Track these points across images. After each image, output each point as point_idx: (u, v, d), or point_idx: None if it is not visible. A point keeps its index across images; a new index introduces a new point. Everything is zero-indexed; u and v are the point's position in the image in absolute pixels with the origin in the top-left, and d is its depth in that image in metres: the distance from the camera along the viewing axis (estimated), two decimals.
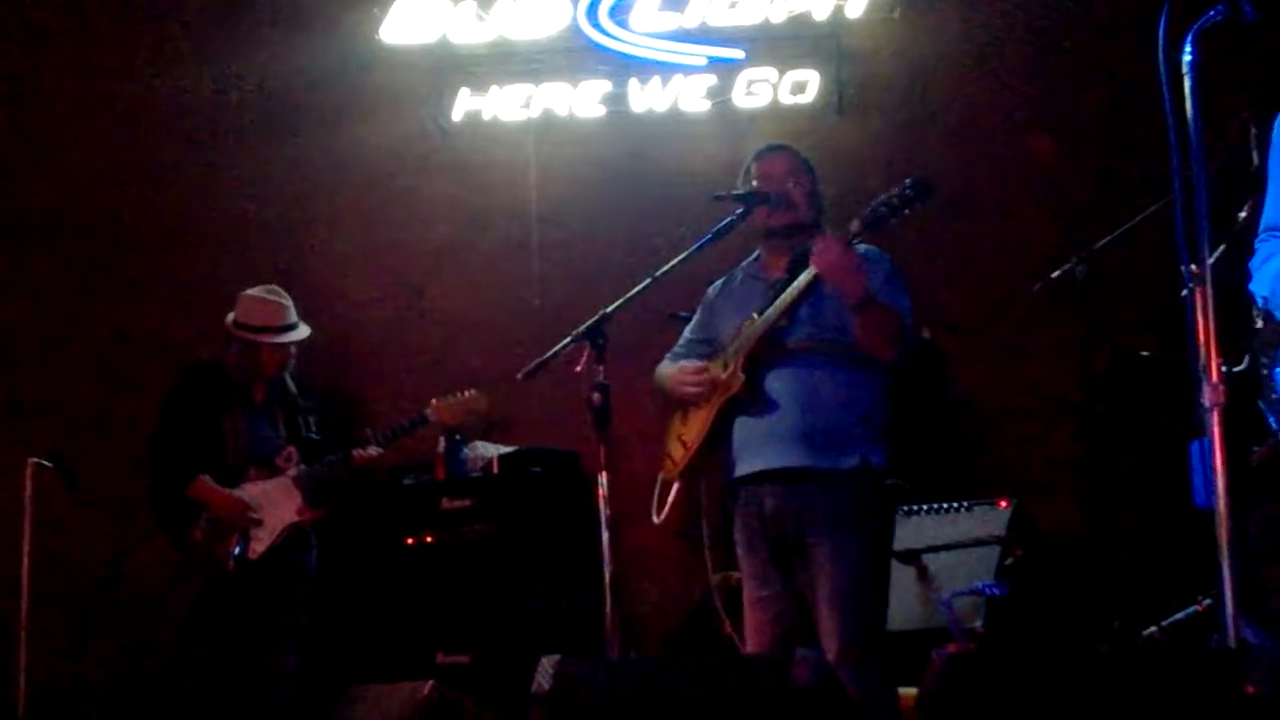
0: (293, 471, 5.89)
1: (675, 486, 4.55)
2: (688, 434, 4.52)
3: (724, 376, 4.42)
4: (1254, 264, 3.86)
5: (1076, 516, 6.45)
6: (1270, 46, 5.86)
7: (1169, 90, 3.35)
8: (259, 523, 5.79)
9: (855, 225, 4.30)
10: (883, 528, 4.49)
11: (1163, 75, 3.37)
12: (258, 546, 5.79)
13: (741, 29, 7.15)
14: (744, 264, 4.74)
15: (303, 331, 6.04)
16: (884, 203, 4.29)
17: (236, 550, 5.74)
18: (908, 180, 4.34)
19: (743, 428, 4.41)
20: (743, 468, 4.41)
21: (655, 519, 4.59)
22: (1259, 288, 3.82)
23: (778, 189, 4.52)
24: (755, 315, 4.43)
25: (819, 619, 4.25)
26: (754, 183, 4.60)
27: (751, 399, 4.37)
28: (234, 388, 5.95)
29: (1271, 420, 3.81)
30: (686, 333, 4.80)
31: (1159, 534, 6.08)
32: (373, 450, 5.94)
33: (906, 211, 4.31)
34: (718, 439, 4.45)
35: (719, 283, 4.78)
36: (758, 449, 4.37)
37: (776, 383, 4.38)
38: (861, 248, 4.39)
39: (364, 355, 7.25)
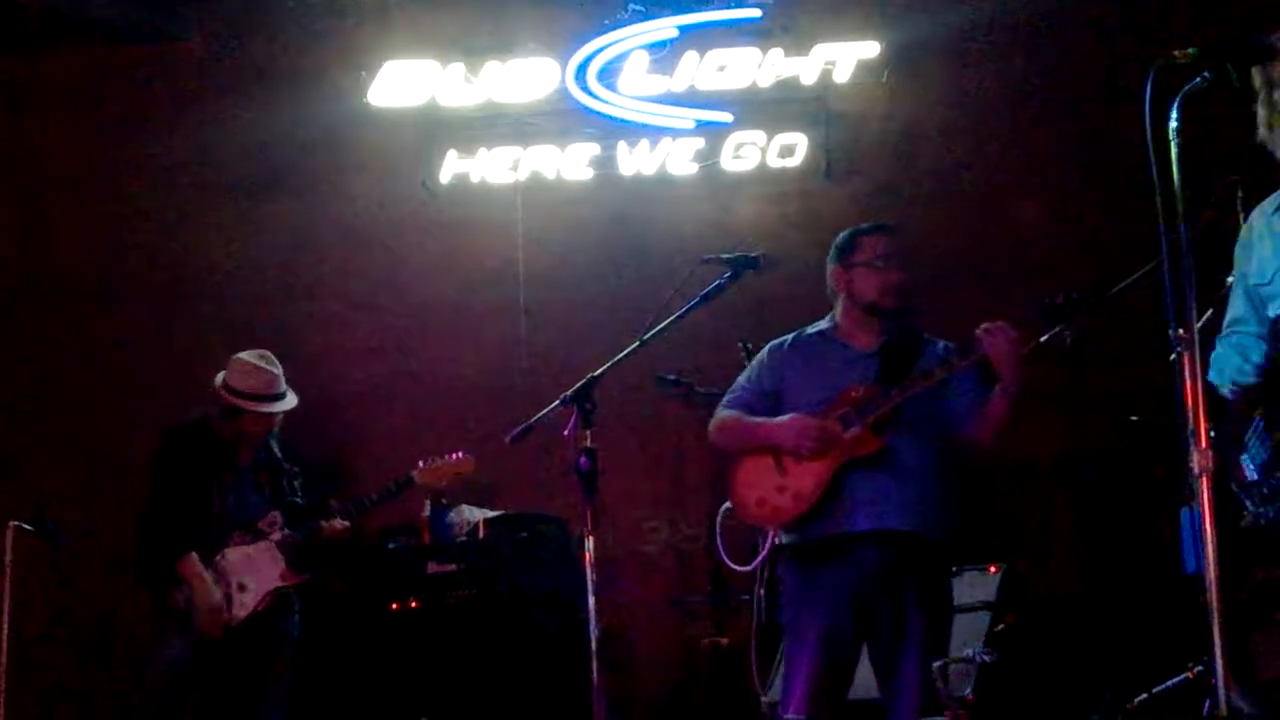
0: (276, 536, 5.84)
1: (770, 536, 4.54)
2: (800, 486, 4.53)
3: (848, 436, 4.49)
4: (1213, 357, 3.88)
5: (1067, 582, 6.42)
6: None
7: (1155, 155, 3.36)
8: (243, 587, 5.74)
9: (1031, 317, 4.47)
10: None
11: (1149, 140, 3.37)
12: (240, 612, 5.73)
13: (730, 92, 7.18)
14: (818, 329, 4.80)
15: (290, 402, 6.01)
16: (1063, 306, 4.50)
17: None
18: (1088, 289, 4.56)
19: (859, 488, 4.51)
20: (853, 525, 4.49)
21: (747, 567, 4.61)
22: (1219, 379, 3.83)
23: (898, 271, 4.67)
24: (877, 384, 4.55)
25: (899, 681, 4.42)
26: (857, 256, 4.71)
27: (880, 461, 4.49)
28: (220, 450, 5.91)
29: (1248, 504, 3.81)
30: (746, 383, 4.82)
31: (1150, 600, 6.04)
32: (338, 524, 5.89)
33: (1076, 316, 4.53)
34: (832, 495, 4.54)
35: (782, 343, 4.82)
36: (877, 510, 4.48)
37: (896, 449, 4.52)
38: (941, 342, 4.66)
39: (350, 416, 7.22)
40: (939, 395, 4.55)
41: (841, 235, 4.79)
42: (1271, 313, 3.77)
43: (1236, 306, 3.97)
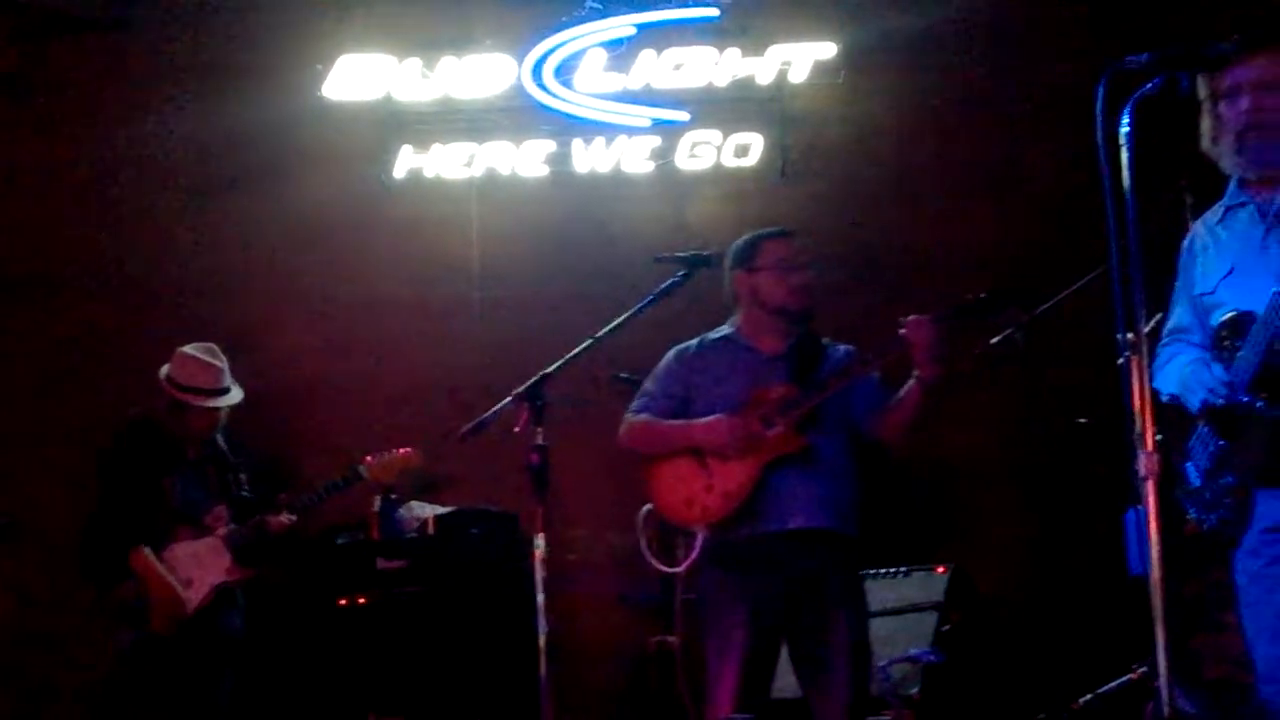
0: (222, 531, 5.81)
1: (700, 536, 4.55)
2: (728, 485, 4.58)
3: (772, 434, 4.55)
4: (1155, 365, 3.92)
5: (1014, 583, 6.46)
6: None
7: (1106, 160, 3.39)
8: (188, 583, 5.71)
9: (943, 311, 4.55)
10: None
11: (1100, 145, 3.40)
12: (185, 607, 5.70)
13: (686, 91, 7.18)
14: (720, 333, 4.86)
15: (234, 397, 5.98)
16: (979, 304, 4.59)
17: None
18: (1012, 288, 4.73)
19: (785, 486, 4.57)
20: (781, 523, 4.55)
21: (679, 568, 4.62)
22: (1164, 385, 3.87)
23: (804, 274, 4.77)
24: (793, 383, 4.63)
25: (828, 678, 4.48)
26: (765, 258, 4.78)
27: (803, 460, 4.56)
28: (167, 444, 5.88)
29: (1191, 511, 3.85)
30: (654, 388, 4.85)
31: (1096, 601, 6.09)
32: (286, 518, 5.87)
33: (998, 313, 4.68)
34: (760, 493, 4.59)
35: (689, 347, 4.88)
36: (798, 508, 4.56)
37: (818, 447, 4.62)
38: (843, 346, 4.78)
39: (301, 411, 7.18)
40: (847, 394, 4.65)
41: (741, 241, 4.85)
42: (1214, 321, 3.81)
43: (1179, 315, 4.02)
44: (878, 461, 4.79)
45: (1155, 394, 3.88)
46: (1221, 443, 3.73)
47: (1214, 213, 3.97)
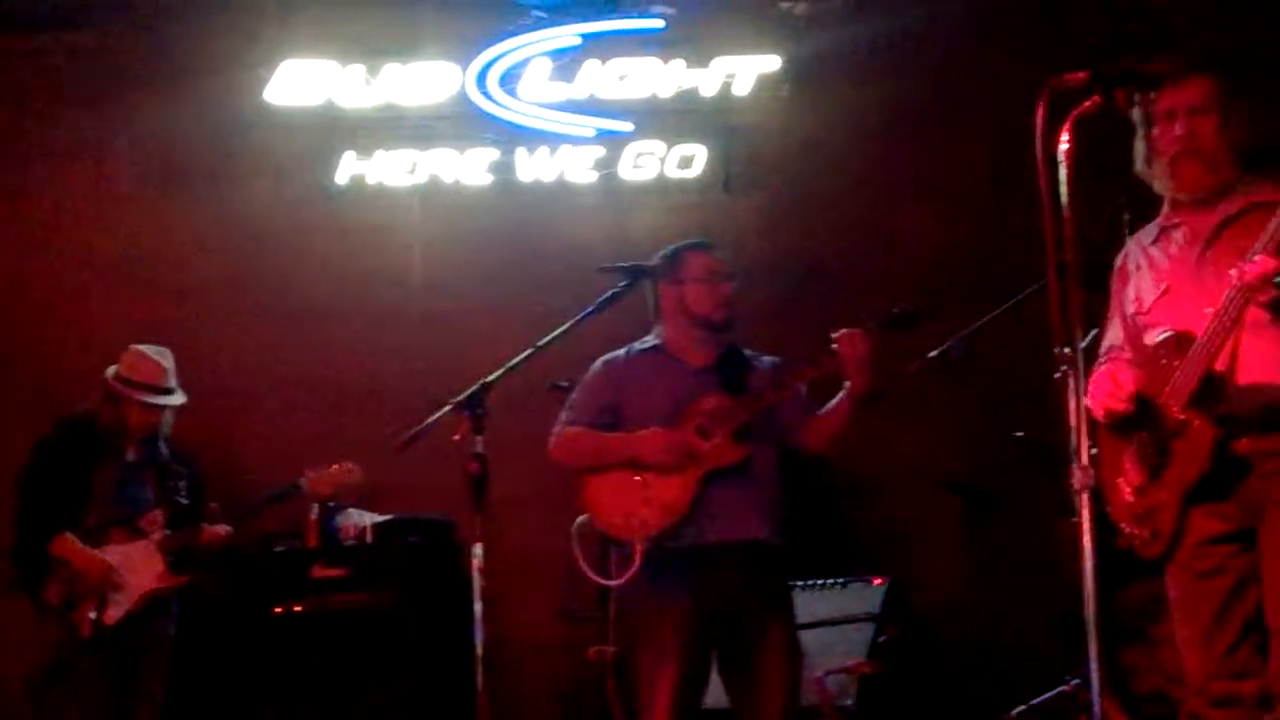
0: (157, 535, 5.76)
1: (638, 548, 4.55)
2: (668, 498, 4.57)
3: (708, 447, 4.55)
4: (1090, 381, 3.96)
5: (950, 595, 6.49)
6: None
7: (1045, 176, 3.42)
8: (119, 587, 5.65)
9: (874, 324, 4.56)
10: None
11: (1039, 161, 3.43)
12: (115, 612, 5.63)
13: (630, 102, 7.19)
14: (647, 344, 4.86)
15: (177, 399, 5.94)
16: (903, 316, 4.61)
17: (92, 615, 5.58)
18: (926, 299, 4.72)
19: (722, 497, 4.58)
20: (720, 534, 4.55)
21: (618, 581, 4.60)
22: (1096, 403, 3.91)
23: (727, 285, 4.77)
24: (727, 395, 4.63)
25: (761, 689, 4.50)
26: (690, 270, 4.79)
27: (740, 471, 4.57)
28: (105, 443, 5.82)
29: (1123, 525, 3.90)
30: (585, 398, 4.84)
31: (1030, 613, 6.13)
32: (221, 529, 5.83)
33: (914, 325, 4.65)
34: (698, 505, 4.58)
35: (617, 358, 4.88)
36: (736, 520, 4.57)
37: (754, 458, 4.62)
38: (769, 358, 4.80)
39: (239, 418, 7.13)
40: (775, 406, 4.68)
41: (664, 252, 4.85)
42: (1150, 341, 3.86)
43: (1113, 334, 4.07)
44: (815, 473, 4.80)
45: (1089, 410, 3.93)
46: (1155, 459, 3.77)
47: (1147, 233, 4.02)
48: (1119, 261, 4.09)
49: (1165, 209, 3.97)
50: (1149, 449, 3.79)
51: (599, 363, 4.88)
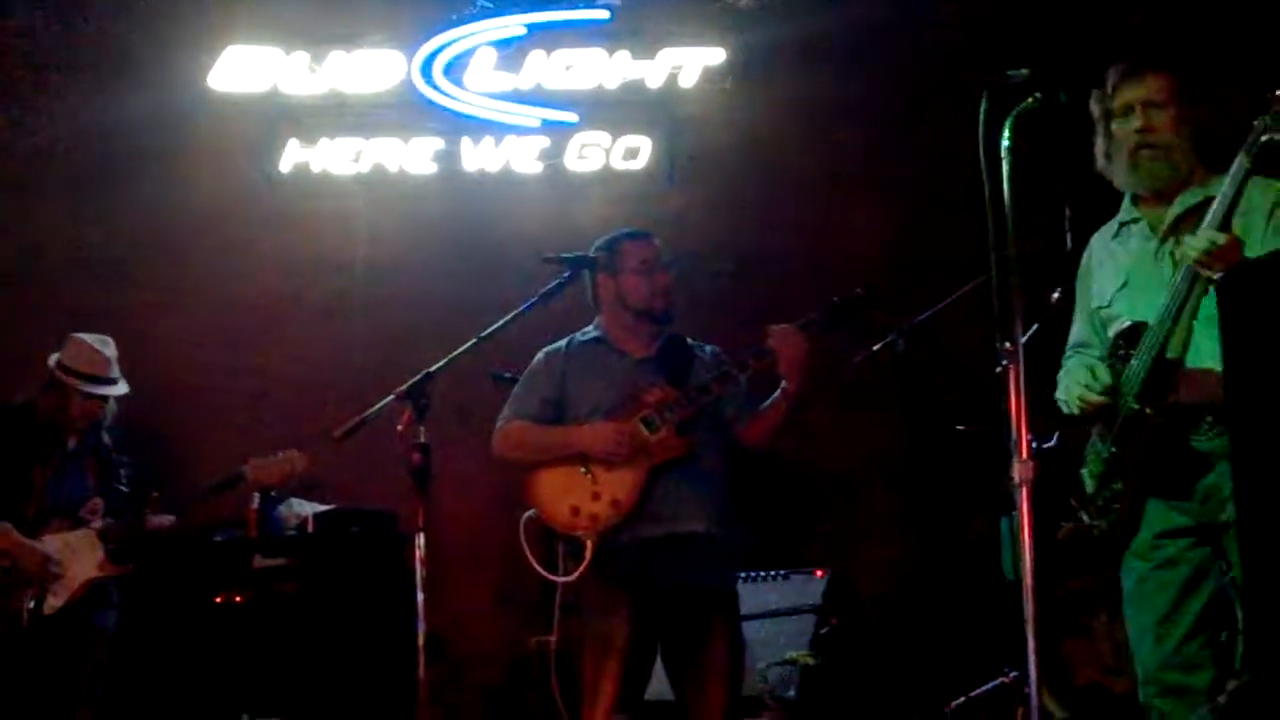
0: (97, 524, 5.69)
1: (589, 544, 4.52)
2: (617, 492, 4.55)
3: (655, 439, 4.54)
4: (1059, 375, 4.01)
5: (891, 587, 6.53)
6: (1087, 131, 6.08)
7: (987, 172, 3.45)
8: (58, 576, 5.59)
9: (815, 319, 4.58)
10: None
11: (982, 158, 3.46)
12: (55, 601, 5.57)
13: (576, 93, 7.19)
14: (588, 335, 4.83)
15: (119, 389, 5.88)
16: (844, 305, 4.66)
17: (31, 604, 5.52)
18: (860, 288, 4.72)
19: (670, 490, 4.57)
20: (668, 527, 4.54)
21: (569, 577, 4.58)
22: (1065, 395, 3.96)
23: (665, 275, 4.76)
24: (671, 386, 4.62)
25: (705, 681, 4.50)
26: (627, 260, 4.77)
27: (686, 463, 4.56)
28: (44, 433, 5.76)
29: (1084, 516, 3.93)
30: (528, 392, 4.81)
31: (970, 606, 6.18)
32: (165, 519, 5.77)
33: (855, 315, 4.70)
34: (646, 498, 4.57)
35: (559, 349, 4.85)
36: (685, 512, 4.56)
37: (700, 451, 4.61)
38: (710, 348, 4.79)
39: (182, 406, 7.07)
40: (718, 397, 4.66)
41: (601, 242, 4.84)
42: (1111, 333, 3.90)
43: (1079, 330, 4.11)
44: (759, 465, 4.81)
45: (1057, 404, 3.98)
46: (1113, 449, 3.81)
47: (1109, 228, 4.07)
48: (1084, 259, 4.13)
49: (1125, 203, 4.01)
50: (1107, 438, 3.83)
51: (540, 355, 4.87)
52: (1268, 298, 3.05)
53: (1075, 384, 3.91)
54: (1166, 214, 3.88)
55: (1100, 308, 4.00)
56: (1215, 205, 3.59)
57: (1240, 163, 3.56)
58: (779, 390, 4.59)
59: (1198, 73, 3.96)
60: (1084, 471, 3.94)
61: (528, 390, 4.81)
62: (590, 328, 4.86)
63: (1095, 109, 3.98)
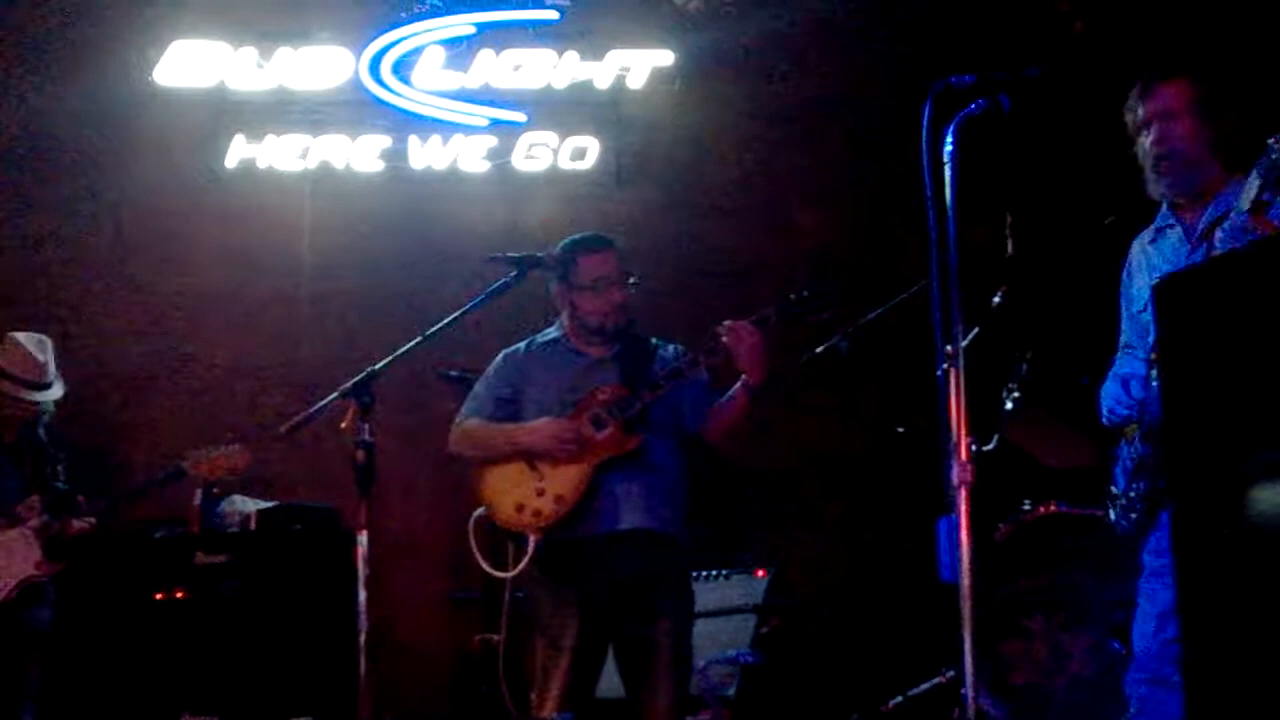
0: (34, 522, 5.62)
1: (532, 540, 4.52)
2: (560, 488, 4.56)
3: (600, 436, 4.55)
4: (1102, 390, 4.06)
5: (831, 587, 6.58)
6: (1029, 137, 6.14)
7: (930, 178, 3.48)
8: None
9: (770, 315, 4.56)
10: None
11: (925, 163, 3.49)
12: None
13: (524, 92, 7.19)
14: (549, 336, 4.85)
15: (55, 393, 5.83)
16: (800, 302, 4.61)
17: None
18: (824, 285, 4.66)
19: (616, 488, 4.57)
20: (612, 524, 4.55)
21: (510, 573, 4.58)
22: (1104, 406, 4.01)
23: (619, 292, 4.71)
24: (623, 385, 4.61)
25: (650, 680, 4.51)
26: (580, 276, 4.73)
27: (634, 461, 4.56)
28: None
29: (1111, 512, 3.98)
30: (484, 391, 4.82)
31: (909, 606, 6.23)
32: (86, 522, 5.71)
33: (824, 315, 4.67)
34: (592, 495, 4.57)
35: (517, 350, 4.86)
36: (629, 510, 4.55)
37: (648, 448, 4.60)
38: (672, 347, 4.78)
39: (122, 400, 7.03)
40: (676, 395, 4.66)
41: (562, 247, 4.79)
42: (1150, 338, 3.94)
43: (1125, 332, 4.16)
44: (700, 464, 4.82)
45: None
46: (1143, 449, 3.85)
47: (1147, 233, 4.12)
48: (1126, 263, 4.17)
49: (1163, 209, 4.06)
50: (1135, 439, 3.89)
51: (499, 355, 4.88)
52: (1205, 306, 3.08)
53: (1106, 396, 3.98)
54: (1198, 220, 3.93)
55: (1139, 311, 4.05)
56: (1232, 218, 3.63)
57: (1252, 182, 3.56)
58: (738, 384, 4.60)
59: (1213, 80, 4.00)
60: (1117, 469, 3.99)
61: (485, 389, 4.84)
62: (552, 328, 4.87)
63: (1129, 122, 4.05)
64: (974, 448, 3.51)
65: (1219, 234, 3.78)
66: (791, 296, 4.64)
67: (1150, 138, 3.95)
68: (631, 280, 4.75)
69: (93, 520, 5.71)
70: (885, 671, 5.82)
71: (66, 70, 7.14)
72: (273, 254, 7.20)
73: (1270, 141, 3.45)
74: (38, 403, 5.79)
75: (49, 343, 5.86)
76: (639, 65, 7.20)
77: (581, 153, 7.24)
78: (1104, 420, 4.03)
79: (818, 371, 5.68)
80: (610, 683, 4.70)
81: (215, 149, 7.15)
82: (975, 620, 3.37)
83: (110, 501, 5.79)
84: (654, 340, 4.85)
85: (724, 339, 4.52)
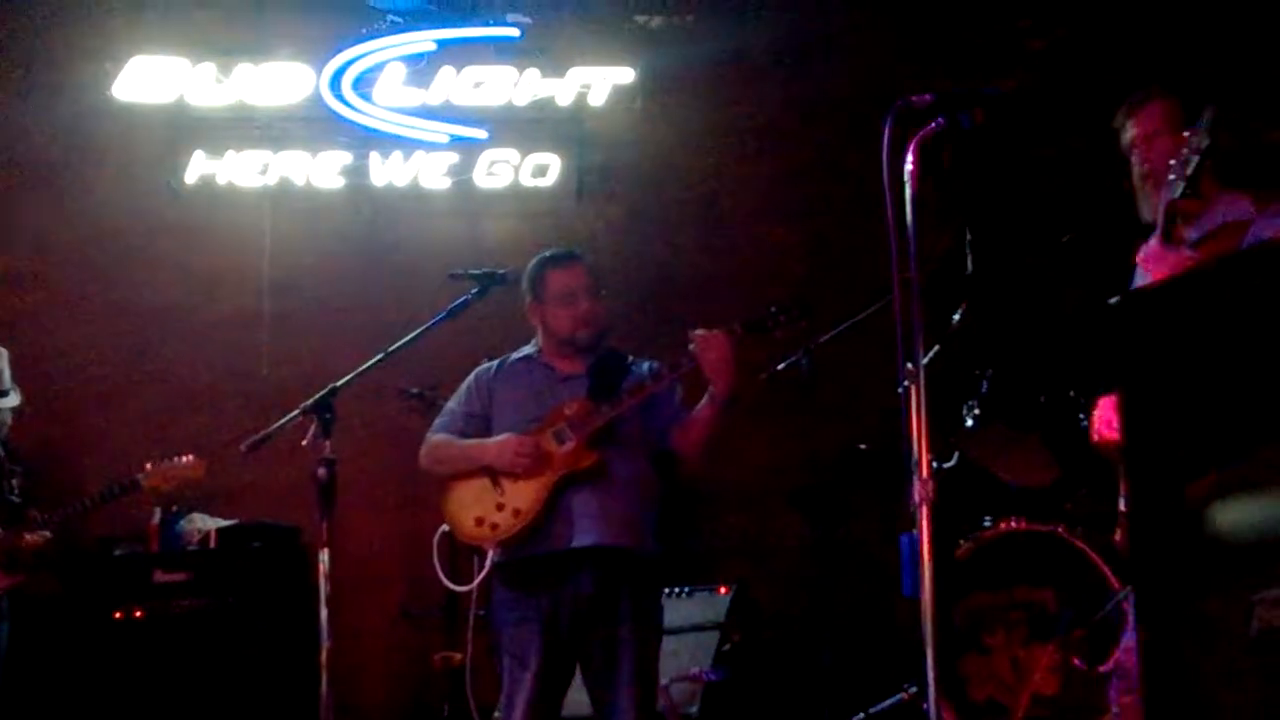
0: None
1: (490, 553, 4.51)
2: (519, 503, 4.53)
3: (561, 451, 4.53)
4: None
5: (794, 604, 6.58)
6: (988, 156, 6.19)
7: (890, 196, 3.50)
8: None
9: (738, 327, 4.53)
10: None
11: (885, 181, 3.51)
12: None
13: (485, 109, 7.19)
14: (522, 354, 4.84)
15: (9, 401, 5.82)
16: (770, 316, 4.59)
17: None
18: (793, 300, 4.65)
19: (577, 503, 4.54)
20: (572, 541, 4.51)
21: (467, 587, 4.57)
22: None
23: (588, 302, 4.70)
24: (588, 399, 4.59)
25: (614, 697, 4.47)
26: (549, 290, 4.73)
27: (596, 476, 4.53)
28: None
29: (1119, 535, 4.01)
30: (455, 407, 4.82)
31: (872, 622, 6.25)
32: (39, 536, 5.66)
33: (794, 327, 4.64)
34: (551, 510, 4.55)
35: (489, 368, 4.84)
36: (588, 526, 4.51)
37: (611, 464, 4.57)
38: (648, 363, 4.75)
39: (79, 417, 6.99)
40: (647, 410, 4.64)
41: (531, 266, 4.80)
42: None
43: None
44: (662, 481, 4.81)
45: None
46: None
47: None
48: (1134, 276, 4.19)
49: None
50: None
51: (472, 373, 4.88)
52: (1160, 325, 3.09)
53: (1099, 419, 4.00)
54: (1192, 234, 3.96)
55: None
56: (1193, 170, 3.65)
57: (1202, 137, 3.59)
58: (706, 395, 4.59)
59: (1195, 97, 4.02)
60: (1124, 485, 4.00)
61: (456, 405, 4.84)
62: (528, 345, 4.86)
63: (1125, 144, 4.09)
64: (935, 465, 3.51)
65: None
66: (768, 310, 4.64)
67: (1137, 159, 3.99)
68: (602, 292, 4.76)
69: (47, 534, 5.67)
70: (847, 688, 5.82)
71: (25, 86, 7.10)
72: (233, 270, 7.17)
73: (1187, 134, 3.50)
74: None
75: (4, 353, 5.83)
76: (600, 82, 7.21)
77: (543, 170, 7.24)
78: (1095, 441, 4.03)
79: (779, 388, 5.70)
80: (581, 698, 4.69)
81: (175, 165, 7.12)
82: (937, 636, 3.38)
83: (65, 515, 5.75)
84: (630, 357, 4.84)
85: (692, 346, 4.53)
